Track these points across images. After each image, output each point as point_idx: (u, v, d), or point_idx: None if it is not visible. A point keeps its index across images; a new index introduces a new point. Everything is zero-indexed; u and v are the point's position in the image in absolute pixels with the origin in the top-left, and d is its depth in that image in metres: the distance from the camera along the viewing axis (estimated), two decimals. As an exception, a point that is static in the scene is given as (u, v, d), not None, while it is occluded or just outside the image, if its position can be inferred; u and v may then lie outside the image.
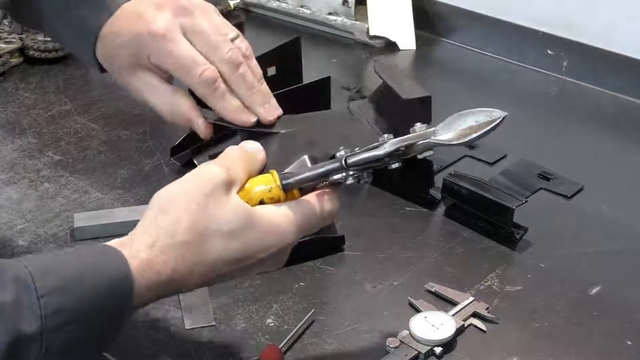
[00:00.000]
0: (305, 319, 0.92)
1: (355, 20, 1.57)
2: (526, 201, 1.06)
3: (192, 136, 1.18)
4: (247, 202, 0.78)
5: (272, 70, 1.12)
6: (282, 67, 1.14)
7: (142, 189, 1.15)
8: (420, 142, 0.81)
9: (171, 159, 1.20)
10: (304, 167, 0.83)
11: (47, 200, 1.13)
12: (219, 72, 0.90)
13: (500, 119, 0.82)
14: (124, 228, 1.04)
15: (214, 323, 0.93)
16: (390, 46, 1.57)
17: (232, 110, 0.91)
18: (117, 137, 1.27)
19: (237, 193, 0.78)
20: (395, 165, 0.81)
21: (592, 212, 1.14)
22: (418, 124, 0.82)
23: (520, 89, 1.47)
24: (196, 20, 0.91)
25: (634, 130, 1.35)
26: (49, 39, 1.46)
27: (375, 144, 0.81)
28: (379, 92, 1.16)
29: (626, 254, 1.07)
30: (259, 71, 0.94)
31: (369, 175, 0.81)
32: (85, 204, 1.12)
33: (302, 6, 1.63)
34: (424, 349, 0.89)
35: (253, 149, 0.82)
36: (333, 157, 0.82)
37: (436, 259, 1.04)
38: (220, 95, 0.91)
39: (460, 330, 0.92)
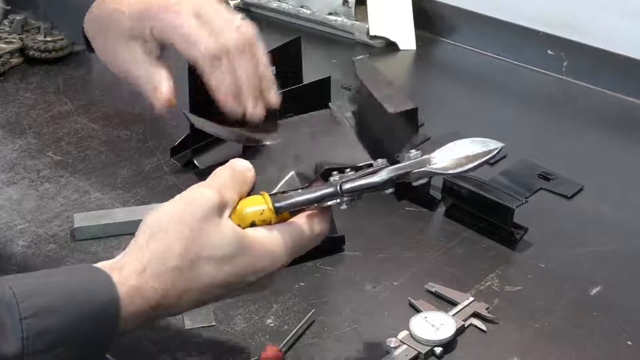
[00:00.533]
0: (305, 319, 0.92)
1: (356, 21, 1.57)
2: (526, 201, 1.06)
3: (193, 136, 1.18)
4: (239, 224, 0.77)
5: (272, 70, 1.12)
6: (282, 67, 1.13)
7: (142, 189, 1.15)
8: (415, 171, 0.80)
9: (171, 159, 1.20)
10: (292, 185, 0.83)
11: (47, 200, 1.13)
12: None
13: (496, 150, 0.82)
14: (124, 228, 1.05)
15: (214, 323, 0.93)
16: (391, 46, 1.57)
17: (225, 91, 0.91)
18: (117, 137, 1.27)
19: (229, 216, 0.77)
20: (389, 191, 0.81)
21: (592, 212, 1.14)
22: (413, 151, 0.80)
23: (520, 89, 1.47)
24: (205, 4, 0.92)
25: (634, 130, 1.35)
26: (49, 39, 1.46)
27: (371, 170, 0.80)
28: (361, 95, 1.15)
29: (626, 254, 1.07)
30: (264, 59, 0.94)
31: (361, 197, 0.81)
32: (85, 204, 1.12)
33: (302, 6, 1.63)
34: (424, 349, 0.89)
35: (243, 167, 0.81)
36: (324, 174, 0.81)
37: (436, 259, 1.04)
38: (220, 73, 0.90)
39: (460, 331, 0.92)
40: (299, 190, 0.80)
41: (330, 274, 1.01)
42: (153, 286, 0.73)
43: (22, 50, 1.46)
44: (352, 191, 0.79)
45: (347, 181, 0.80)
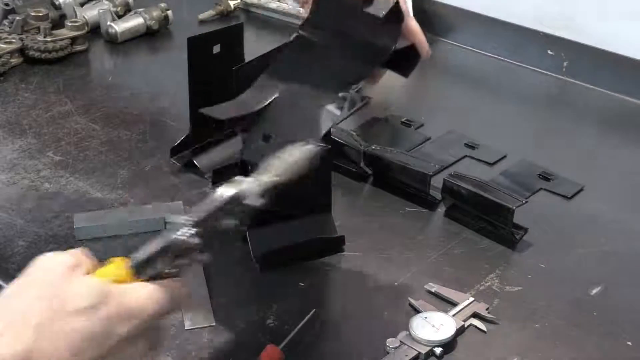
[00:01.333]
0: (305, 319, 0.92)
1: (356, 21, 1.57)
2: (526, 202, 1.06)
3: (193, 137, 1.18)
4: None
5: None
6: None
7: (142, 189, 1.15)
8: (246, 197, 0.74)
9: (171, 159, 1.20)
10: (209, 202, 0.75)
11: (48, 200, 1.13)
12: None
13: (316, 150, 0.78)
14: (124, 228, 1.05)
15: (214, 323, 0.93)
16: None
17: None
18: (118, 137, 1.27)
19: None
20: (230, 223, 0.74)
21: (592, 212, 1.14)
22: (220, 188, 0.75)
23: (520, 89, 1.47)
24: None
25: (634, 130, 1.35)
26: (49, 39, 1.46)
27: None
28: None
29: (626, 254, 1.07)
30: None
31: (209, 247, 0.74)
32: (85, 204, 1.12)
33: (302, 8, 1.62)
34: (424, 350, 0.89)
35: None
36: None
37: (436, 260, 1.04)
38: None
39: (460, 331, 0.92)
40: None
41: (330, 274, 1.01)
42: (15, 348, 0.66)
43: (22, 51, 1.46)
44: (199, 221, 0.73)
45: (193, 213, 0.74)
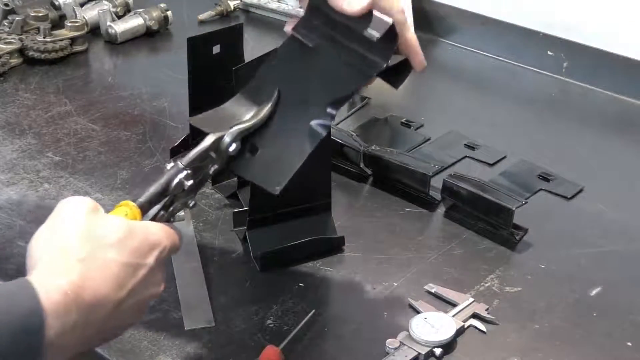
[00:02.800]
0: (305, 319, 0.92)
1: (355, 21, 1.57)
2: (526, 202, 1.06)
3: (192, 137, 1.18)
4: None
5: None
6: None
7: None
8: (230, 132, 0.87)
9: (171, 159, 1.20)
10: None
11: (47, 200, 1.12)
12: None
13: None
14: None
15: (213, 324, 0.93)
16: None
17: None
18: (117, 138, 1.27)
19: None
20: (214, 168, 0.87)
21: (592, 213, 1.14)
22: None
23: (520, 90, 1.47)
24: None
25: (634, 131, 1.35)
26: (48, 39, 1.46)
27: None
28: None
29: (626, 254, 1.07)
30: None
31: (196, 191, 0.86)
32: (85, 204, 1.12)
33: (301, 7, 1.62)
34: (423, 350, 0.89)
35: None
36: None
37: (436, 260, 1.04)
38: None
39: (460, 331, 0.92)
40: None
41: (330, 274, 1.01)
42: (70, 279, 0.71)
43: (21, 51, 1.46)
44: (190, 161, 0.85)
45: (182, 158, 0.85)
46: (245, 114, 0.90)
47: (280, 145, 0.88)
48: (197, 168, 0.85)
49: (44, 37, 1.46)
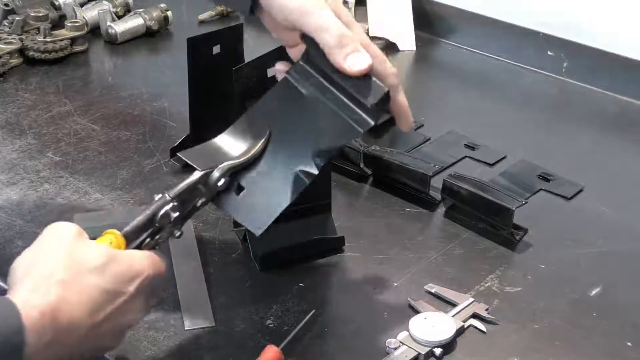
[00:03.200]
0: (305, 319, 0.92)
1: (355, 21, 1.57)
2: (526, 202, 1.06)
3: (192, 137, 1.18)
4: None
5: (273, 71, 1.12)
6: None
7: (142, 190, 1.15)
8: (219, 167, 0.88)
9: (171, 159, 1.20)
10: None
11: (47, 201, 1.12)
12: None
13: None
14: (124, 229, 1.04)
15: (213, 324, 0.93)
16: (390, 47, 1.57)
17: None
18: (117, 138, 1.27)
19: None
20: (202, 201, 0.88)
21: (592, 213, 1.14)
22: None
23: (520, 90, 1.47)
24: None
25: (634, 131, 1.35)
26: (48, 39, 1.46)
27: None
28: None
29: (626, 254, 1.07)
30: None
31: (183, 222, 0.88)
32: (85, 204, 1.12)
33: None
34: (423, 350, 0.89)
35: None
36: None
37: (436, 260, 1.04)
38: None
39: (460, 331, 0.92)
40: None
41: (330, 274, 1.01)
42: (47, 300, 0.74)
43: (21, 51, 1.46)
44: (177, 194, 0.86)
45: (170, 190, 0.87)
46: (234, 150, 0.91)
47: (265, 187, 0.89)
48: (184, 200, 0.87)
49: (44, 37, 1.46)
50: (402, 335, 0.91)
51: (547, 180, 1.19)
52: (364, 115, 0.86)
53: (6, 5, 1.53)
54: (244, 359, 0.89)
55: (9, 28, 1.49)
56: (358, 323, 0.94)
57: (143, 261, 0.82)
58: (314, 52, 0.87)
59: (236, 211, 0.90)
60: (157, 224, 0.86)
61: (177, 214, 0.86)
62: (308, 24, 0.85)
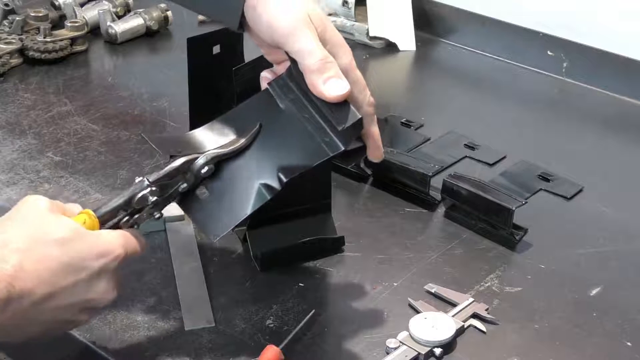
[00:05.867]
0: (305, 320, 0.92)
1: (355, 21, 1.57)
2: (526, 202, 1.06)
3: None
4: None
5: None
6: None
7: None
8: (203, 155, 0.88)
9: (171, 159, 1.20)
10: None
11: (47, 201, 1.12)
12: None
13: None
14: (124, 229, 1.04)
15: (213, 324, 0.93)
16: (390, 47, 1.57)
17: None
18: (117, 138, 1.27)
19: None
20: (183, 186, 0.88)
21: (592, 213, 1.14)
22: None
23: (520, 90, 1.47)
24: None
25: (634, 131, 1.35)
26: (48, 39, 1.46)
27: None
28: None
29: (626, 254, 1.07)
30: None
31: (164, 205, 0.88)
32: (85, 204, 1.11)
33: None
34: (423, 350, 0.89)
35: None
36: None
37: (436, 260, 1.04)
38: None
39: (460, 331, 0.92)
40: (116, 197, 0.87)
41: (330, 274, 1.01)
42: (2, 267, 0.75)
43: (21, 51, 1.46)
44: (157, 179, 0.86)
45: (152, 174, 0.87)
46: (208, 144, 0.90)
47: (227, 195, 0.89)
48: (165, 185, 0.87)
49: (44, 37, 1.46)
50: (402, 335, 0.91)
51: (547, 180, 1.19)
52: (335, 138, 0.86)
53: (6, 5, 1.52)
54: (244, 359, 0.89)
55: (9, 28, 1.49)
56: (358, 323, 0.94)
57: (113, 240, 0.83)
58: (297, 70, 0.87)
59: (194, 212, 0.90)
60: (134, 207, 0.86)
61: (155, 198, 0.86)
62: (292, 45, 0.86)
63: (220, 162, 0.89)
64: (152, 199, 0.86)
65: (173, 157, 0.88)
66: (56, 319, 0.81)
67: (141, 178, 0.87)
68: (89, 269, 0.80)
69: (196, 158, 0.88)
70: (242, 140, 0.90)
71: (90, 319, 0.86)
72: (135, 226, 0.87)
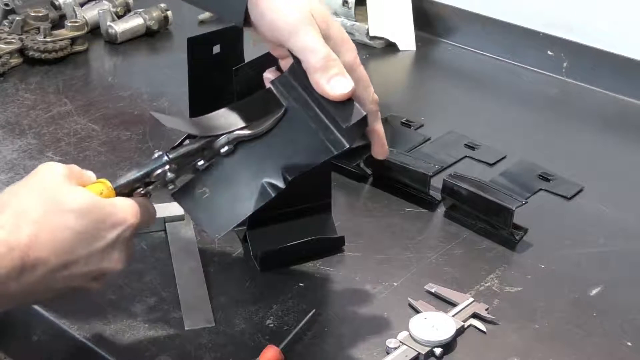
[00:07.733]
0: (305, 319, 0.92)
1: (355, 21, 1.57)
2: (526, 202, 1.06)
3: (192, 137, 1.18)
4: None
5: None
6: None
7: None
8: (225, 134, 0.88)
9: (159, 150, 1.20)
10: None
11: (47, 200, 1.12)
12: None
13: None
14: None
15: (213, 324, 0.93)
16: (390, 47, 1.57)
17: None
18: (117, 138, 1.27)
19: None
20: (200, 163, 0.88)
21: (592, 213, 1.14)
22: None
23: (520, 90, 1.47)
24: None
25: (634, 131, 1.35)
26: (48, 39, 1.46)
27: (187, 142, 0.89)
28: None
29: (626, 254, 1.07)
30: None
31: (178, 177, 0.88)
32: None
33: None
34: (423, 350, 0.89)
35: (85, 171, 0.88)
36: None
37: (436, 260, 1.04)
38: None
39: (460, 331, 0.92)
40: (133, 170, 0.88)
41: (330, 274, 1.01)
42: (18, 237, 0.76)
43: (21, 51, 1.46)
44: (177, 156, 0.87)
45: (171, 151, 0.87)
46: (230, 126, 0.90)
47: (230, 192, 0.88)
48: (182, 162, 0.87)
49: (44, 37, 1.46)
50: (402, 335, 0.91)
51: (547, 180, 1.19)
52: (339, 136, 0.86)
53: (6, 5, 1.53)
54: (244, 359, 0.89)
55: (9, 28, 1.49)
56: (358, 323, 0.94)
57: (128, 209, 0.83)
58: (300, 68, 0.87)
59: (194, 211, 0.90)
60: (151, 180, 0.87)
61: (173, 175, 0.87)
62: (294, 43, 0.86)
63: (223, 158, 0.89)
64: (170, 175, 0.86)
65: (191, 137, 0.88)
66: (68, 286, 0.81)
67: (160, 152, 0.87)
68: (104, 239, 0.81)
69: (217, 137, 0.88)
70: (267, 124, 0.89)
71: (101, 286, 0.86)
72: (149, 195, 0.88)
